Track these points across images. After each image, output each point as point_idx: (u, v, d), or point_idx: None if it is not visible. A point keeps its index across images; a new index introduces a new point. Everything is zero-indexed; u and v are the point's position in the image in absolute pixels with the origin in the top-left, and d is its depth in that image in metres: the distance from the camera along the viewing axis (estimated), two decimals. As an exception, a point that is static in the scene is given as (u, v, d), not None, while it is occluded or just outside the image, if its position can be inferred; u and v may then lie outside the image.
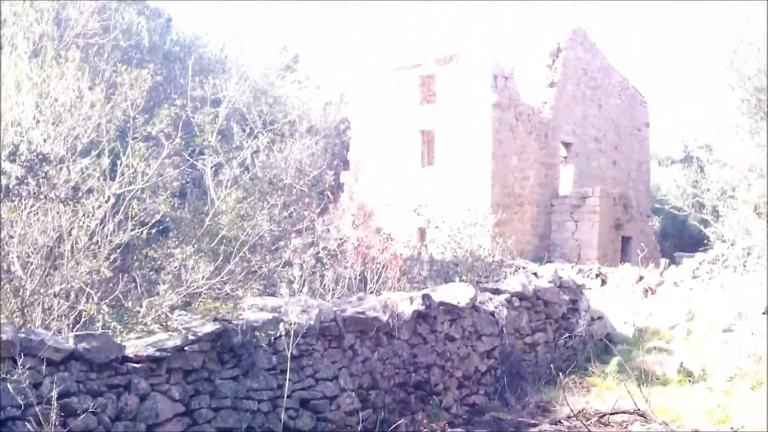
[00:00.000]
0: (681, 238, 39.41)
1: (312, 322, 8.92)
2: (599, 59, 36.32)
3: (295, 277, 9.35)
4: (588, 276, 27.21)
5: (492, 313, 12.19)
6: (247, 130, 9.40)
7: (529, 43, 36.40)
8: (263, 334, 8.28)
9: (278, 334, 8.31)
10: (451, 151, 31.63)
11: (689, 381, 13.18)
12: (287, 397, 8.54)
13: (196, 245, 8.51)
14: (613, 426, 10.57)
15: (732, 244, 16.32)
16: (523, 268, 27.86)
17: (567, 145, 34.66)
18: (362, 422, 9.24)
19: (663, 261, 28.65)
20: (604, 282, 26.93)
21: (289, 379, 8.61)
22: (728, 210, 15.05)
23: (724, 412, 10.97)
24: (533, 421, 10.62)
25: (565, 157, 34.89)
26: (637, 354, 14.29)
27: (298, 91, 37.65)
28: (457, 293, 11.40)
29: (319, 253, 11.61)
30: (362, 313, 9.67)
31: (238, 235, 8.57)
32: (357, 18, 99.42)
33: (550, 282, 13.89)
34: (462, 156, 31.30)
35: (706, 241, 17.07)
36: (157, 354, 7.36)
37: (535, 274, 14.14)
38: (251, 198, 9.07)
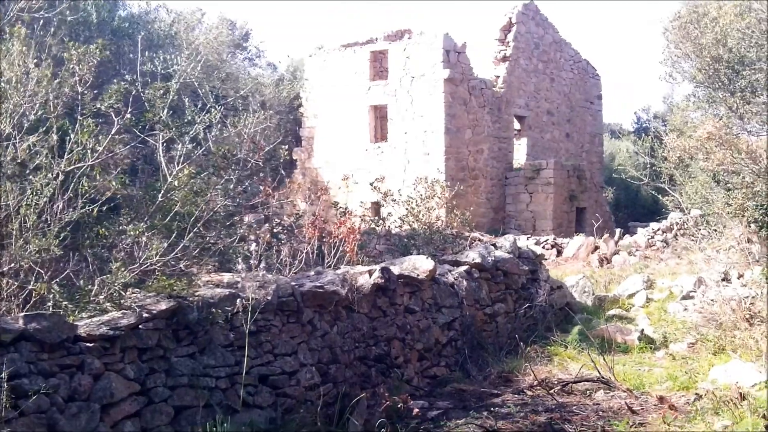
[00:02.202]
0: (634, 208, 39.83)
1: (270, 298, 8.75)
2: (551, 33, 36.48)
3: (251, 253, 9.15)
4: (543, 247, 27.33)
5: (452, 285, 12.09)
6: (199, 105, 9.11)
7: (482, 18, 36.43)
8: (219, 311, 8.09)
9: (235, 310, 8.13)
10: (404, 126, 31.63)
11: (651, 348, 13.21)
12: (246, 373, 8.38)
13: (148, 222, 8.29)
14: (576, 394, 10.53)
15: (689, 212, 16.42)
16: (479, 240, 28.12)
17: (520, 118, 34.84)
18: (323, 396, 9.09)
19: (617, 231, 28.98)
20: (559, 252, 27.10)
21: (248, 356, 8.43)
22: (686, 179, 15.14)
23: (687, 378, 10.99)
24: (495, 391, 10.54)
25: (519, 131, 35.09)
26: (597, 323, 14.30)
27: (250, 69, 37.34)
28: (416, 266, 11.28)
29: (274, 228, 11.44)
30: (321, 287, 9.51)
31: (191, 211, 8.35)
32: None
33: (509, 253, 13.82)
34: (415, 131, 31.34)
35: (663, 210, 17.13)
36: (111, 333, 7.14)
37: (494, 245, 14.05)
38: (205, 173, 8.84)
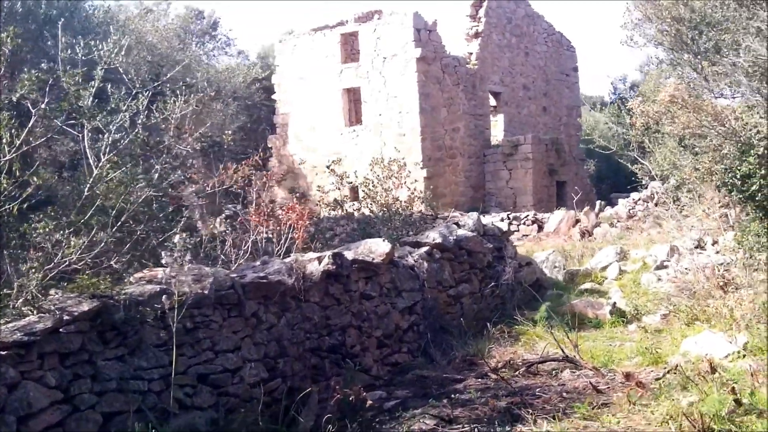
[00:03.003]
0: (617, 179, 39.31)
1: (206, 292, 8.27)
2: (523, 7, 36.03)
3: (182, 245, 8.64)
4: (524, 223, 27.08)
5: (412, 268, 11.61)
6: (123, 91, 8.59)
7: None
8: (149, 309, 7.61)
9: (166, 307, 7.64)
10: (378, 107, 31.18)
11: (622, 322, 12.81)
12: (182, 373, 7.92)
13: (71, 218, 7.79)
14: (542, 375, 10.11)
15: (661, 180, 15.93)
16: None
17: (496, 94, 34.43)
18: (270, 393, 8.64)
19: (598, 203, 28.56)
20: (540, 228, 26.77)
21: (184, 354, 7.98)
22: (655, 146, 14.68)
23: (657, 352, 10.58)
24: (459, 376, 10.11)
25: (495, 107, 34.68)
26: (568, 298, 13.89)
27: (221, 57, 36.84)
28: (372, 249, 10.79)
29: (226, 219, 10.95)
30: (264, 277, 9.04)
31: (116, 204, 7.85)
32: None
33: (472, 231, 13.34)
34: (390, 112, 30.88)
35: (641, 180, 16.65)
36: (25, 338, 6.66)
37: (456, 224, 13.55)
38: (130, 164, 8.33)
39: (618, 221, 25.17)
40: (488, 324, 11.87)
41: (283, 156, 34.49)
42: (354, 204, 15.44)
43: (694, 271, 12.65)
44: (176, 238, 7.32)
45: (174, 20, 27.21)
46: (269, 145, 34.84)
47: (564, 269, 15.56)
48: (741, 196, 10.81)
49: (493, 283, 13.11)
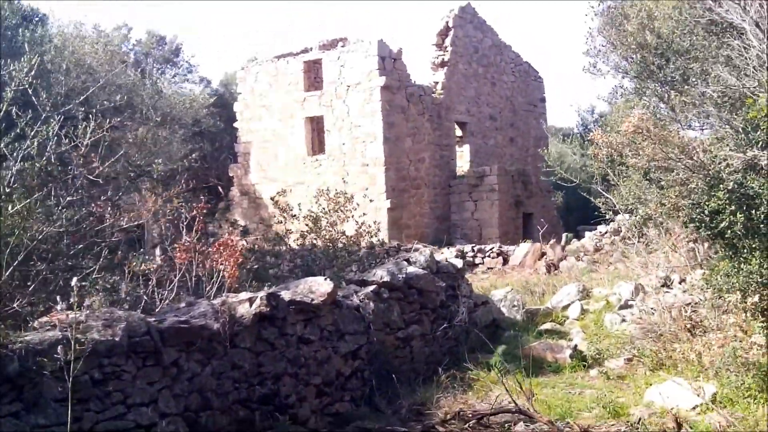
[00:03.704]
0: (586, 211, 38.69)
1: (117, 338, 7.41)
2: (490, 36, 35.61)
3: (107, 286, 7.77)
4: (489, 255, 26.46)
5: (357, 308, 10.74)
6: (30, 115, 7.74)
7: (419, 23, 35.41)
8: (48, 359, 6.73)
9: (61, 358, 6.73)
10: (341, 137, 30.54)
11: (583, 366, 12.04)
12: (89, 431, 7.04)
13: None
14: (494, 428, 9.32)
15: (628, 213, 15.17)
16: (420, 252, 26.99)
17: (462, 124, 33.93)
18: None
19: (564, 235, 27.93)
20: (506, 260, 26.14)
21: (89, 410, 7.10)
22: (620, 178, 13.96)
23: (619, 402, 9.81)
24: (403, 429, 9.28)
25: (461, 137, 34.19)
26: (527, 340, 13.09)
27: (182, 84, 36.14)
28: (312, 289, 9.91)
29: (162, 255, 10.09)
30: (185, 322, 8.18)
31: (13, 241, 6.98)
32: (243, 10, 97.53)
33: (424, 268, 12.49)
34: (353, 141, 30.24)
35: (609, 213, 15.92)
36: None
37: (407, 260, 12.69)
38: (36, 195, 7.47)
39: (585, 254, 24.59)
40: (440, 369, 11.05)
41: (245, 185, 33.70)
42: (298, 238, 14.57)
43: (660, 312, 11.91)
44: (74, 280, 6.43)
45: (114, 40, 26.34)
46: (230, 175, 34.10)
47: (523, 308, 14.72)
48: (709, 232, 10.09)
49: (445, 324, 12.27)
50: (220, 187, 34.68)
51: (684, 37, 13.19)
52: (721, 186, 9.85)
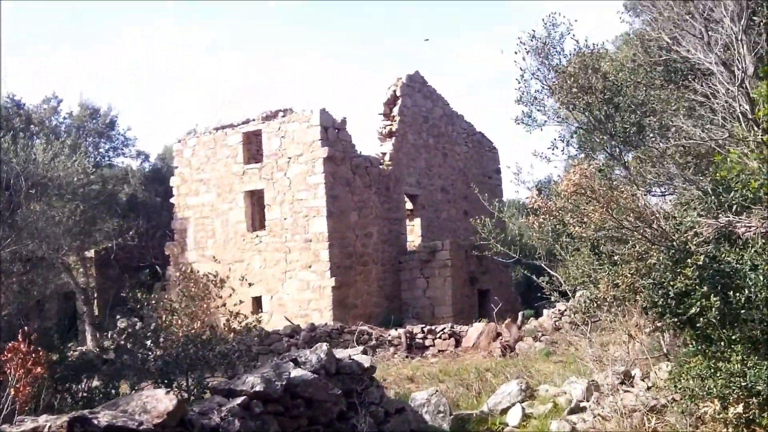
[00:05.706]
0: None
1: None
2: (441, 106, 34.42)
3: None
4: (440, 336, 24.77)
5: (216, 430, 8.32)
6: None
7: (365, 92, 34.03)
8: None
9: None
10: (283, 211, 28.72)
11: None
12: None
13: None
14: None
15: (577, 293, 13.11)
16: (367, 334, 24.90)
17: (412, 197, 32.47)
18: None
19: (521, 314, 26.05)
20: (458, 342, 24.33)
21: None
22: (566, 252, 11.94)
23: None
24: None
25: (411, 210, 32.72)
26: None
27: (116, 158, 34.49)
28: (147, 406, 7.60)
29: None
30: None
31: None
32: (184, 83, 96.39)
33: (317, 370, 10.02)
34: (295, 216, 28.45)
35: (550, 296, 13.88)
36: None
37: (294, 360, 10.22)
38: None
39: (543, 335, 22.73)
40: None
41: (182, 264, 31.46)
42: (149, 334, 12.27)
43: (618, 419, 9.69)
44: None
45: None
46: (167, 253, 32.04)
47: (451, 415, 12.30)
48: (676, 320, 8.04)
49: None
50: (157, 267, 32.74)
51: (639, 88, 11.35)
52: (689, 261, 7.86)
